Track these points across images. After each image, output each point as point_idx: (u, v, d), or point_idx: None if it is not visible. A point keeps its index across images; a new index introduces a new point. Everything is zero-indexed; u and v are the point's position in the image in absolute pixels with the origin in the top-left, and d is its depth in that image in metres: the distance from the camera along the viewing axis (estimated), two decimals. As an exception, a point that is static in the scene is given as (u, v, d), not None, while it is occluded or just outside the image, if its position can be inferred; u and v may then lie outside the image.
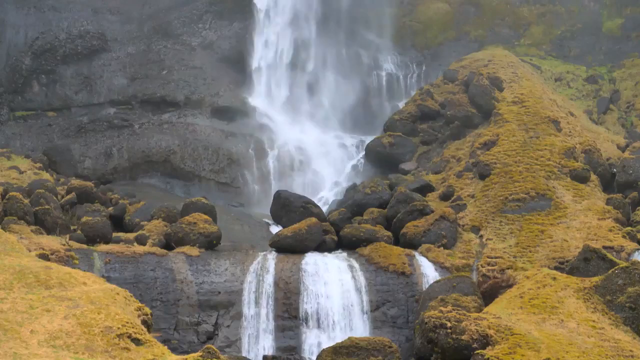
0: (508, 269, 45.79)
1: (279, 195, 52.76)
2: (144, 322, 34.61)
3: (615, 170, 54.78)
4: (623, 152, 58.75)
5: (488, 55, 67.99)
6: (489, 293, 44.68)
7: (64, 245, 43.69)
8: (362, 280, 45.14)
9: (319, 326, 43.83)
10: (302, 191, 59.73)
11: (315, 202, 53.58)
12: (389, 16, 77.00)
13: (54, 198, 49.58)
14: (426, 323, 36.86)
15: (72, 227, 47.26)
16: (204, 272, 44.87)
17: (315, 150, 67.42)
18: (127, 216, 50.38)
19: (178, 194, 62.86)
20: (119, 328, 31.72)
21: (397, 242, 48.99)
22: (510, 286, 43.54)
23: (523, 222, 49.12)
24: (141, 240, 46.45)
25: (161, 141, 64.89)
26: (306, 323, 43.91)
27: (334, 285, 44.74)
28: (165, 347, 33.00)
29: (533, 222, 48.96)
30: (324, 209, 55.40)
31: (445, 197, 53.44)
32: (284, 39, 72.73)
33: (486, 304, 42.42)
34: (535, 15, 77.20)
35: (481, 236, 49.11)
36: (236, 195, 64.17)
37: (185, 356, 32.05)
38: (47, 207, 47.21)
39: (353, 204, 53.05)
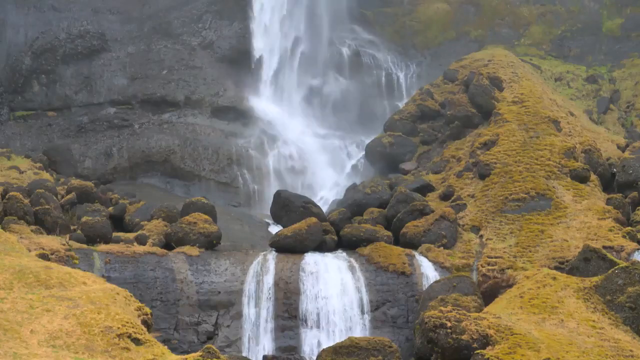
0: (508, 268, 45.77)
1: (279, 195, 52.72)
2: (144, 322, 34.59)
3: (615, 170, 54.69)
4: (623, 152, 58.67)
5: (488, 55, 67.90)
6: (489, 293, 44.67)
7: (64, 245, 43.66)
8: (362, 280, 45.12)
9: (318, 326, 43.82)
10: (302, 191, 59.72)
11: (315, 202, 53.54)
12: (389, 16, 77.01)
13: (54, 198, 49.57)
14: (426, 323, 36.84)
15: (72, 227, 47.24)
16: (204, 272, 44.86)
17: (315, 150, 67.42)
18: (127, 216, 50.37)
19: (178, 193, 62.86)
20: (119, 328, 31.71)
21: (397, 242, 48.98)
22: (510, 286, 43.51)
23: (523, 222, 49.10)
24: (141, 240, 46.44)
25: (161, 141, 64.91)
26: (306, 323, 43.90)
27: (334, 285, 44.72)
28: (165, 347, 33.00)
29: (533, 222, 48.94)
30: (324, 209, 55.37)
31: (445, 197, 53.43)
32: (284, 39, 72.73)
33: (486, 304, 42.43)
34: (535, 15, 77.21)
35: (481, 236, 49.09)
36: (236, 195, 64.20)
37: (185, 356, 32.03)
38: (47, 207, 47.20)
39: (353, 204, 53.04)
